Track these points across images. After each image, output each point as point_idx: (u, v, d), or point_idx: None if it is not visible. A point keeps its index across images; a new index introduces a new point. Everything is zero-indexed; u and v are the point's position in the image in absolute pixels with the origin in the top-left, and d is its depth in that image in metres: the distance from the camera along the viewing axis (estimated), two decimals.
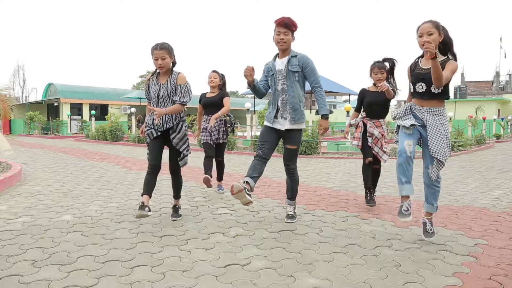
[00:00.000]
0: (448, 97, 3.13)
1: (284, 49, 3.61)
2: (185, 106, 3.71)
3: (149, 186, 3.64)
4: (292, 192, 3.88)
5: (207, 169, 5.05)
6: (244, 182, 3.38)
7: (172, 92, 3.65)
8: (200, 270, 2.61)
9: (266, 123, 3.77)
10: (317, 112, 3.76)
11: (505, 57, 49.87)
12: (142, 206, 3.44)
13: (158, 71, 3.72)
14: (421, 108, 3.12)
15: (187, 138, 3.84)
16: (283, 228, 3.64)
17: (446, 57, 3.09)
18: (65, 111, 25.59)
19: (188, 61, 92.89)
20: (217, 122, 5.14)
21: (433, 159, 3.13)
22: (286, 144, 3.75)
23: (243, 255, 2.90)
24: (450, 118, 15.48)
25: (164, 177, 6.66)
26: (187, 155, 3.85)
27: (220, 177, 5.45)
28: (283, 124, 3.67)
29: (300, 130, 3.73)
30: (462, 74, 43.35)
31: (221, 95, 5.18)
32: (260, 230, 3.55)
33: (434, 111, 3.10)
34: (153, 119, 3.70)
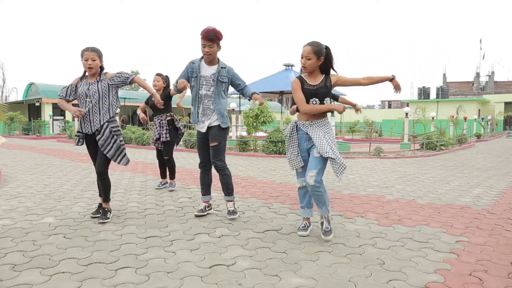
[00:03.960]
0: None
1: (210, 60, 3.79)
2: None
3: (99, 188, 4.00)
4: (227, 188, 3.95)
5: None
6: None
7: (105, 89, 3.75)
8: (185, 271, 2.59)
9: (198, 128, 3.97)
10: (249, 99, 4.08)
11: (483, 58, 51.04)
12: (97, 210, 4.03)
13: (86, 74, 3.82)
14: (305, 122, 3.28)
15: (117, 143, 3.77)
16: (269, 228, 3.64)
17: (326, 75, 3.30)
18: (47, 111, 25.12)
19: (186, 61, 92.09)
20: (159, 120, 5.35)
21: (313, 166, 3.16)
22: (210, 142, 3.89)
23: (228, 256, 2.89)
24: (433, 118, 15.75)
25: (149, 178, 6.61)
26: (118, 158, 3.82)
27: (171, 176, 5.53)
28: (205, 126, 3.87)
29: (220, 127, 3.87)
30: (444, 75, 44.23)
31: (165, 94, 5.30)
32: (245, 230, 3.55)
33: (317, 123, 3.26)
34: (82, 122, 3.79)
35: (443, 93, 32.48)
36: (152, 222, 3.80)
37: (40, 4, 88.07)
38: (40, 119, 25.11)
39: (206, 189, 4.07)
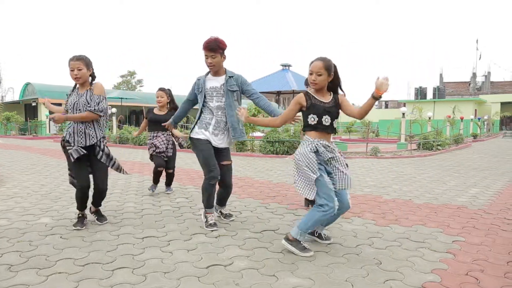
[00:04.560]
0: None
1: (215, 71, 3.66)
2: (100, 116, 3.51)
3: (83, 202, 3.63)
4: (225, 201, 3.96)
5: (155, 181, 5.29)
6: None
7: (89, 100, 3.48)
8: (182, 271, 2.59)
9: (201, 136, 3.69)
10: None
11: (480, 58, 51.25)
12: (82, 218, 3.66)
13: (77, 84, 3.58)
14: (325, 142, 3.02)
15: (111, 156, 3.66)
16: (266, 228, 3.65)
17: (334, 94, 3.10)
18: (43, 111, 25.03)
19: (186, 63, 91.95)
20: (165, 136, 5.18)
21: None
22: (223, 161, 3.76)
23: (226, 256, 2.89)
24: (430, 118, 15.81)
25: (146, 178, 6.60)
26: (116, 165, 3.69)
27: (169, 183, 5.39)
28: (219, 142, 3.70)
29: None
30: (441, 75, 44.40)
31: (171, 109, 5.18)
32: (242, 230, 3.55)
33: (335, 148, 3.10)
34: (72, 132, 3.48)
35: (440, 93, 32.60)
36: (149, 223, 3.79)
37: (39, 4, 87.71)
38: (37, 119, 25.02)
39: (212, 199, 3.72)
